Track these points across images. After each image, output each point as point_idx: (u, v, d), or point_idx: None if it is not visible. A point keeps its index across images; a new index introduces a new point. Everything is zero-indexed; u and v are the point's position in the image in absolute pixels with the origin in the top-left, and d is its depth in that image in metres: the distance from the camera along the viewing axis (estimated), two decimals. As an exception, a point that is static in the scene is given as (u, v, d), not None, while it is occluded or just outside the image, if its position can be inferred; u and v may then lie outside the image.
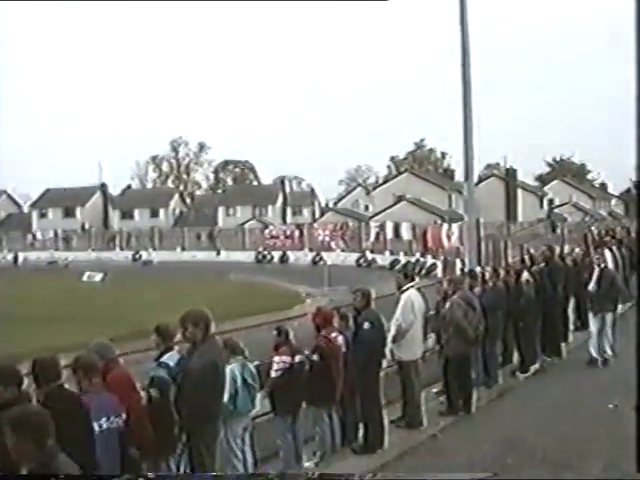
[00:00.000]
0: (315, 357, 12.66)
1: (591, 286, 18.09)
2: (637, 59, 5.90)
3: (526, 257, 22.34)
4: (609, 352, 17.74)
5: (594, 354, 17.71)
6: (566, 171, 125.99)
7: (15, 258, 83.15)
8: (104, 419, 8.17)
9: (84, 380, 8.23)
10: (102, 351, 9.24)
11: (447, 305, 15.21)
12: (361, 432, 13.10)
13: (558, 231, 50.86)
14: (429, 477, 7.97)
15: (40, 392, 7.65)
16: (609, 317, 17.93)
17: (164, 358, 9.73)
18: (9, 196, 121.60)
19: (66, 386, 7.88)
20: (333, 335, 12.92)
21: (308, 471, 12.08)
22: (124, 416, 8.46)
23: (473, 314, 15.10)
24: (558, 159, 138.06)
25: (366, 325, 12.78)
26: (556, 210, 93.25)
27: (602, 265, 18.48)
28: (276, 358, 12.46)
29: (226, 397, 10.47)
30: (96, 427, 7.98)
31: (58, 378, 7.75)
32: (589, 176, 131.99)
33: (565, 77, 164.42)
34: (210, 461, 9.31)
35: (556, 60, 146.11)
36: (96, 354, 9.09)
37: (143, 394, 9.49)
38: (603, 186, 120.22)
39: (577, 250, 24.94)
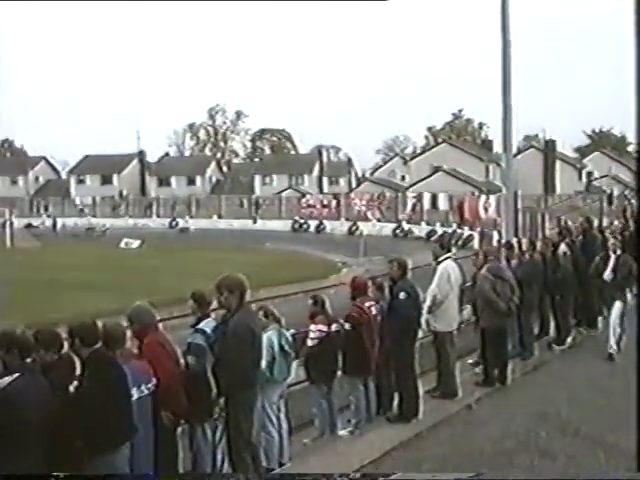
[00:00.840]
0: (347, 326, 12.70)
1: (607, 274, 16.88)
2: (637, 55, 5.84)
3: (563, 229, 22.15)
4: (614, 347, 16.32)
5: (612, 344, 16.31)
6: (606, 143, 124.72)
7: (54, 224, 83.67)
8: (135, 389, 8.28)
9: (109, 351, 8.29)
10: (140, 315, 9.33)
11: (477, 277, 15.22)
12: (396, 401, 13.14)
13: (614, 206, 49.91)
14: (417, 477, 7.99)
15: (81, 354, 7.75)
16: (618, 305, 16.64)
17: (201, 325, 9.78)
18: (48, 162, 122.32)
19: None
20: (367, 305, 12.94)
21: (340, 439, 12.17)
22: (154, 381, 8.56)
23: (502, 286, 15.02)
24: (598, 131, 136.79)
25: (402, 295, 12.77)
26: (595, 182, 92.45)
27: (618, 252, 17.03)
28: (312, 327, 12.51)
29: (264, 364, 10.54)
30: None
31: (97, 342, 7.84)
32: (629, 148, 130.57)
33: (608, 47, 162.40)
34: (247, 428, 9.38)
35: (598, 31, 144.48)
36: (135, 318, 9.19)
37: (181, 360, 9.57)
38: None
39: (616, 222, 24.75)
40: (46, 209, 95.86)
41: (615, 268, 16.75)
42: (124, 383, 7.85)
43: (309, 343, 12.51)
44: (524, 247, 17.92)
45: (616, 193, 61.25)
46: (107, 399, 7.53)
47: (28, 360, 7.35)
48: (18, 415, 6.95)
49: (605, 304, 17.44)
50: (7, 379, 7.06)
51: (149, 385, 8.55)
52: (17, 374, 7.10)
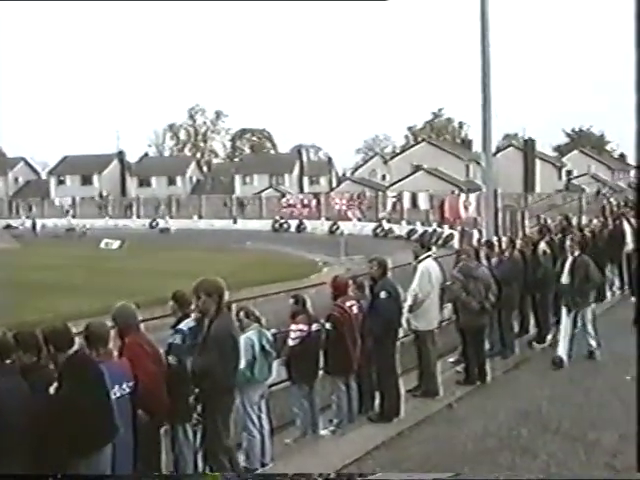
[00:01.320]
0: (329, 326, 12.70)
1: (564, 278, 16.01)
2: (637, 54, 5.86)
3: (543, 227, 22.22)
4: (594, 344, 15.79)
5: (560, 353, 15.53)
6: (585, 142, 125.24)
7: (33, 225, 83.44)
8: (117, 387, 8.28)
9: (92, 349, 8.28)
10: (124, 315, 9.30)
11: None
12: (377, 401, 13.15)
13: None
14: (393, 477, 7.99)
15: (57, 358, 7.70)
16: (588, 312, 15.91)
17: (181, 325, 9.78)
18: (27, 163, 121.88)
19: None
20: (348, 304, 12.95)
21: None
22: (134, 381, 8.55)
23: (475, 284, 15.03)
24: (577, 130, 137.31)
25: (383, 294, 12.76)
26: (574, 181, 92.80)
27: (576, 253, 16.02)
28: (293, 326, 12.51)
29: (244, 364, 10.53)
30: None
31: (71, 346, 7.81)
32: (608, 147, 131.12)
33: (587, 47, 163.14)
34: (224, 430, 9.35)
35: (578, 29, 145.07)
36: (118, 318, 9.17)
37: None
38: (622, 157, 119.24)
39: (595, 221, 24.83)
40: (30, 209, 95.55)
41: (572, 271, 15.85)
42: (103, 383, 7.82)
43: (290, 343, 12.51)
44: (504, 245, 17.94)
45: (594, 191, 61.54)
46: (87, 401, 7.50)
47: (7, 362, 7.32)
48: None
49: (568, 311, 15.94)
50: None
51: (129, 384, 8.52)
52: None
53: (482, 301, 14.86)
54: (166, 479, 9.20)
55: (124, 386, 8.42)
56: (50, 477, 6.81)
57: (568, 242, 16.69)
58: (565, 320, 15.94)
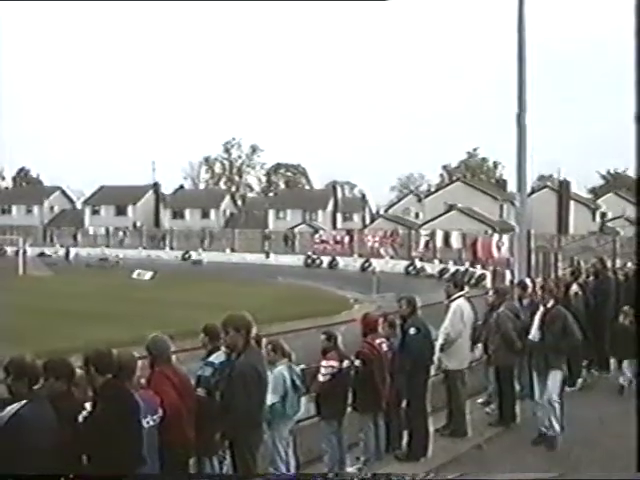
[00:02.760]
0: (358, 363, 12.68)
1: (533, 333, 13.72)
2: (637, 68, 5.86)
3: (575, 269, 22.05)
4: (556, 427, 13.25)
5: (543, 429, 13.46)
6: (620, 184, 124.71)
7: (67, 253, 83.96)
8: (143, 419, 8.25)
9: (119, 380, 8.29)
10: (157, 346, 9.34)
11: (494, 315, 15.10)
12: (405, 440, 13.08)
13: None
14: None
15: (95, 383, 7.74)
16: (558, 377, 13.45)
17: (211, 358, 9.79)
18: (63, 192, 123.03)
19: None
20: (378, 341, 12.93)
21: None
22: (160, 412, 8.52)
23: (520, 325, 15.00)
24: (612, 172, 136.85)
25: (412, 330, 12.77)
26: (609, 223, 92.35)
27: (549, 304, 13.62)
28: (324, 362, 12.47)
29: (276, 399, 10.57)
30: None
31: (111, 371, 7.83)
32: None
33: (623, 87, 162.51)
34: (253, 465, 9.34)
35: (614, 70, 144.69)
36: (152, 348, 9.19)
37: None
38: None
39: (629, 264, 24.63)
40: (74, 238, 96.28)
41: (543, 325, 13.49)
42: (137, 414, 7.83)
43: (320, 379, 12.46)
44: (538, 288, 17.75)
45: (630, 234, 61.12)
46: (119, 429, 7.51)
47: (35, 387, 7.36)
48: (27, 442, 6.95)
49: (535, 370, 13.84)
50: (15, 406, 7.07)
51: (155, 417, 8.51)
52: (25, 401, 7.12)
53: (524, 341, 14.79)
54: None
55: (149, 418, 8.39)
56: (51, 477, 6.84)
57: (539, 291, 14.34)
58: (537, 388, 13.65)
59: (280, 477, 10.58)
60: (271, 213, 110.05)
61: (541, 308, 13.70)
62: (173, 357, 9.88)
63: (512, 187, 76.55)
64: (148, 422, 8.34)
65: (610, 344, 17.98)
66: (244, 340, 9.29)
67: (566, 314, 13.56)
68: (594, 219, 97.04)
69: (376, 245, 72.43)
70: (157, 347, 9.31)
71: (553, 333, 13.31)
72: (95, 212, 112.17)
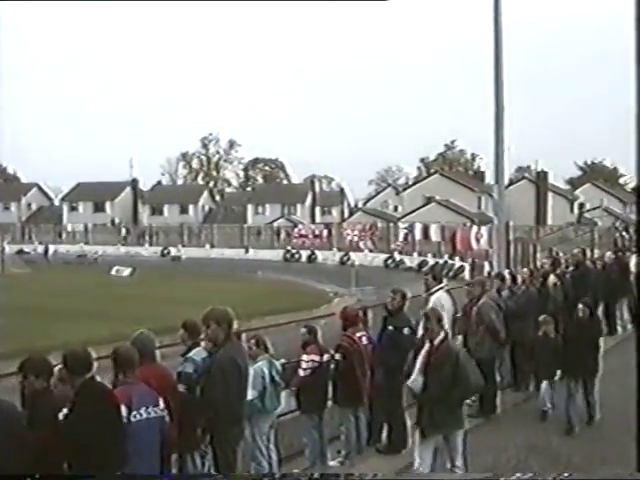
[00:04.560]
0: (338, 356, 12.67)
1: (413, 378, 10.57)
2: (637, 60, 5.86)
3: (554, 260, 22.12)
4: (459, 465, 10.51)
5: None
6: (598, 175, 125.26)
7: (45, 250, 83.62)
8: (143, 409, 8.19)
9: (120, 372, 8.29)
10: (142, 343, 9.29)
11: (477, 306, 15.10)
12: (385, 433, 13.09)
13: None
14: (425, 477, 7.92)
15: (72, 383, 7.71)
16: (458, 442, 10.57)
17: (191, 354, 9.77)
18: (40, 189, 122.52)
19: (97, 379, 7.93)
20: (358, 335, 12.92)
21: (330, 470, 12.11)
22: (162, 407, 8.47)
23: (498, 316, 15.05)
24: (590, 162, 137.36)
25: (406, 330, 12.75)
26: (587, 214, 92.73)
27: (437, 339, 10.47)
28: (305, 357, 12.47)
29: (255, 394, 10.57)
30: (137, 417, 8.08)
31: (89, 370, 7.80)
32: (621, 180, 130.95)
33: (600, 78, 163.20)
34: (234, 460, 9.35)
35: (591, 60, 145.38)
36: (137, 345, 9.14)
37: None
38: (635, 190, 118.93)
39: (608, 254, 24.74)
40: (59, 236, 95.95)
41: (427, 369, 10.42)
42: (116, 412, 7.79)
43: (301, 373, 12.46)
44: (520, 279, 17.78)
45: (607, 225, 61.42)
46: (97, 430, 7.49)
47: None
48: None
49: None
50: None
51: (156, 408, 8.40)
52: None
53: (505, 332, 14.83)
54: None
55: (150, 409, 8.31)
56: (51, 477, 6.85)
57: (422, 323, 11.03)
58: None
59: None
60: (250, 208, 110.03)
61: (426, 344, 10.49)
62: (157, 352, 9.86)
63: (490, 179, 76.80)
64: (150, 413, 8.27)
65: (529, 361, 15.59)
66: (225, 334, 9.40)
67: (458, 352, 10.64)
68: (572, 210, 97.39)
69: (355, 239, 72.28)
70: (142, 343, 9.27)
71: (440, 380, 10.21)
72: (73, 209, 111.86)
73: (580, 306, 14.49)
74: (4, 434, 7.00)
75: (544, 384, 14.57)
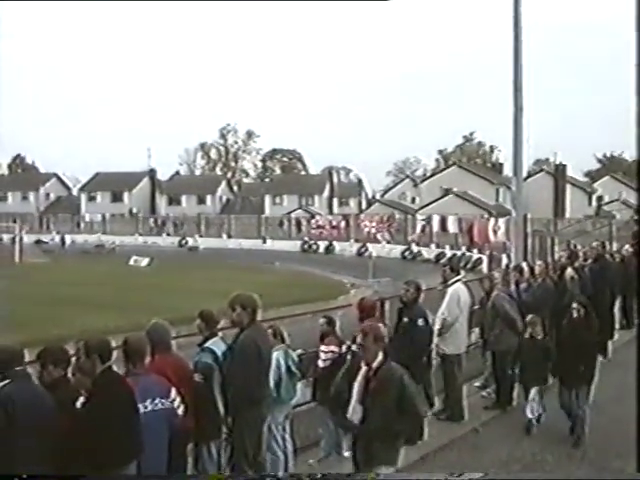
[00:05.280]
0: (355, 347, 12.67)
1: (351, 408, 8.86)
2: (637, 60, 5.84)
3: (571, 253, 22.03)
4: None
5: None
6: (616, 168, 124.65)
7: (63, 240, 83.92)
8: (149, 401, 8.20)
9: (130, 363, 8.31)
10: (157, 332, 9.31)
11: (491, 299, 15.07)
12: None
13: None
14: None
15: (93, 371, 7.73)
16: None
17: (208, 344, 9.78)
18: (59, 179, 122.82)
19: (114, 368, 7.96)
20: (376, 326, 12.93)
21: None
22: (172, 398, 8.47)
23: (515, 306, 15.04)
24: (608, 155, 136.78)
25: (420, 322, 12.79)
26: (605, 207, 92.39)
27: (377, 360, 8.81)
28: (323, 347, 12.47)
29: (271, 384, 10.59)
30: (141, 409, 8.05)
31: (109, 359, 7.83)
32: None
33: (621, 71, 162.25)
34: (251, 447, 9.37)
35: (610, 56, 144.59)
36: (152, 334, 9.14)
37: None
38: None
39: (627, 247, 24.60)
40: (77, 226, 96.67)
41: (367, 396, 8.73)
42: (132, 402, 7.82)
43: (320, 364, 12.46)
44: (537, 271, 17.72)
45: (626, 218, 61.12)
46: (115, 418, 7.51)
47: (18, 368, 7.41)
48: (16, 418, 7.09)
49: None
50: None
51: (164, 400, 8.41)
52: (8, 380, 7.28)
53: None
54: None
55: (157, 401, 8.32)
56: (50, 477, 6.89)
57: (358, 340, 9.44)
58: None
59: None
60: (267, 199, 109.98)
61: (363, 367, 8.92)
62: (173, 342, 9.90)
63: (508, 171, 76.59)
64: (157, 404, 8.29)
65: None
66: (250, 318, 9.60)
67: (402, 375, 8.78)
68: (590, 203, 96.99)
69: (372, 230, 72.33)
70: (157, 333, 9.28)
71: (382, 409, 8.58)
72: (91, 199, 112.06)
73: (574, 305, 13.40)
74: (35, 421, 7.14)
75: (532, 391, 13.34)
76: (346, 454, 12.57)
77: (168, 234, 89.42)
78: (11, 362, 7.43)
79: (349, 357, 12.59)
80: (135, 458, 7.81)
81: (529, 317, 13.98)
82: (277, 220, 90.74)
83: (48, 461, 7.17)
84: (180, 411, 8.54)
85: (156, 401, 8.28)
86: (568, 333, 13.35)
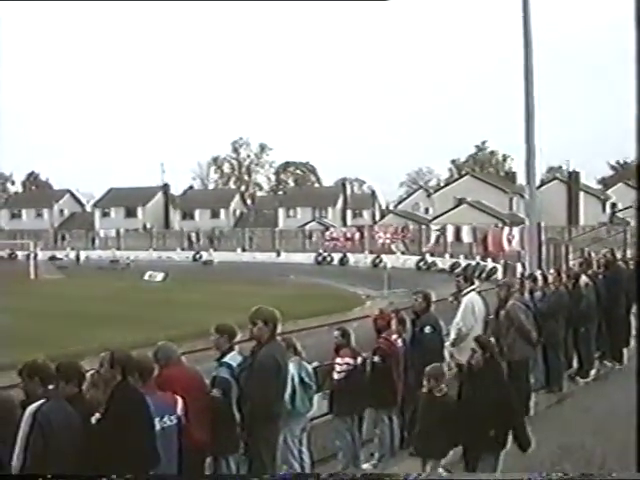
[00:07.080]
0: (376, 359, 12.71)
1: None
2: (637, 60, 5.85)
3: (585, 261, 21.96)
4: None
5: None
6: (630, 174, 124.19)
7: (77, 256, 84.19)
8: (157, 420, 8.22)
9: (137, 381, 8.31)
10: (164, 351, 9.35)
11: (505, 309, 15.04)
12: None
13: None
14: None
15: (113, 384, 7.76)
16: None
17: (226, 358, 9.78)
18: (73, 195, 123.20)
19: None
20: (393, 337, 12.96)
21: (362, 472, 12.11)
22: (178, 414, 8.49)
23: (527, 317, 15.00)
24: (622, 162, 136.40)
25: (427, 329, 12.80)
26: (619, 214, 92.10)
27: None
28: (339, 360, 12.50)
29: (285, 396, 10.59)
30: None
31: (132, 373, 7.90)
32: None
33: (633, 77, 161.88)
34: (269, 461, 9.39)
35: (623, 62, 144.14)
36: (159, 354, 9.19)
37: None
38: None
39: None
40: (92, 242, 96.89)
41: None
42: (149, 415, 7.84)
43: (336, 376, 12.49)
44: (550, 279, 17.69)
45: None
46: (133, 430, 7.54)
47: (50, 387, 7.44)
48: (52, 439, 7.13)
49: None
50: (35, 405, 7.25)
51: (172, 416, 8.46)
52: (43, 400, 7.29)
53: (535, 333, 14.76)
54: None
55: (165, 419, 8.36)
56: (50, 477, 6.92)
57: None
58: None
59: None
60: (281, 212, 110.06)
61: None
62: (184, 358, 9.91)
63: (521, 179, 76.52)
64: (165, 422, 8.32)
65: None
66: (270, 333, 9.61)
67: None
68: (604, 210, 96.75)
69: (387, 241, 72.31)
70: (163, 354, 9.31)
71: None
72: (105, 214, 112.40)
73: (473, 345, 10.24)
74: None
75: (427, 467, 10.49)
76: (364, 466, 12.60)
77: (182, 249, 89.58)
78: (50, 378, 7.51)
79: (367, 369, 12.68)
80: (153, 468, 7.83)
81: (428, 368, 10.65)
82: (291, 233, 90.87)
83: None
84: (188, 425, 8.57)
85: (164, 419, 8.29)
86: (468, 385, 10.30)
